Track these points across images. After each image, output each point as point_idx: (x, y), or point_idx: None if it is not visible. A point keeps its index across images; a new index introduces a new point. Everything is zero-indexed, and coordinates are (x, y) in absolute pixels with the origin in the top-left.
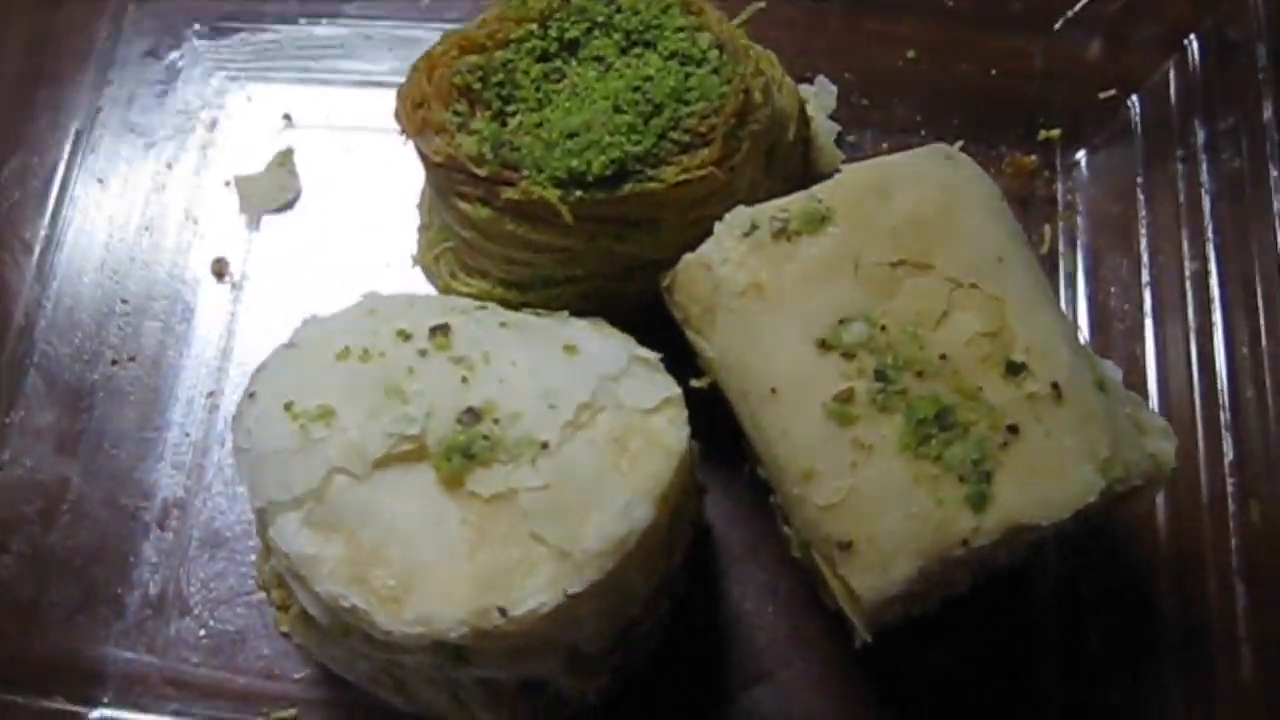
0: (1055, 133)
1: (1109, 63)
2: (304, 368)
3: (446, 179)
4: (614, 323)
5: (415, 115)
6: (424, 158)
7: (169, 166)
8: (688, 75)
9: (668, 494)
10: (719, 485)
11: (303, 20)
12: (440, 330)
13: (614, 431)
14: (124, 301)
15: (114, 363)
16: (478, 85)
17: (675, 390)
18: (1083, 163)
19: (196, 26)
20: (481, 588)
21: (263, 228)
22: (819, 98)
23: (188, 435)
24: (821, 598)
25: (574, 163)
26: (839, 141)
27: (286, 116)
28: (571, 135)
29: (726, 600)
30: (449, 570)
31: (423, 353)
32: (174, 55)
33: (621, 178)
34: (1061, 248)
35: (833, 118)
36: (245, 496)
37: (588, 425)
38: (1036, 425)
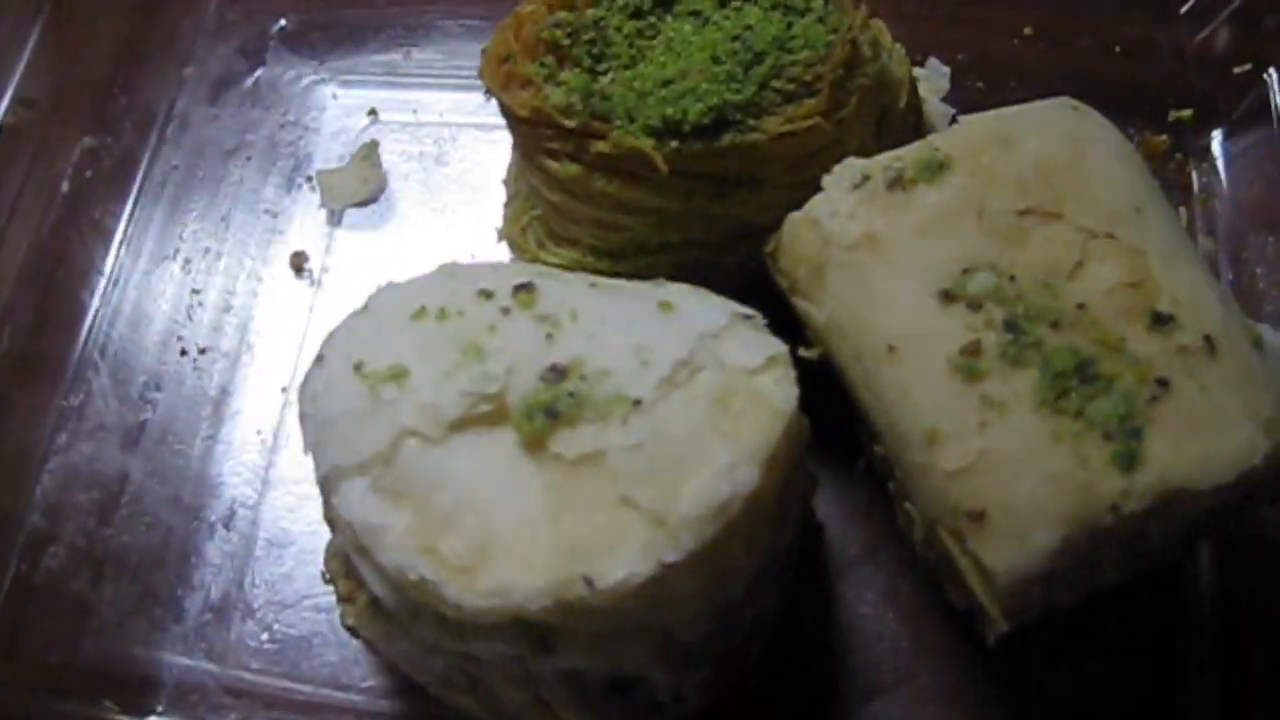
0: (1187, 113)
1: (1241, 42)
2: (377, 329)
3: (532, 135)
4: None
5: (500, 70)
6: (508, 114)
7: (248, 159)
8: (790, 24)
9: (775, 458)
10: (832, 482)
11: (389, 17)
12: (524, 288)
13: (715, 391)
14: (196, 292)
15: (184, 354)
16: (566, 41)
17: (781, 348)
18: (1218, 143)
19: (283, 24)
20: (566, 556)
21: (344, 223)
22: (931, 80)
23: (258, 433)
24: (949, 597)
25: (669, 110)
26: (956, 123)
27: (373, 112)
28: (666, 84)
29: (842, 605)
30: (529, 538)
31: (505, 310)
32: (260, 51)
33: (720, 128)
34: (1200, 232)
35: (947, 101)
36: (316, 496)
37: (686, 384)
38: (1189, 380)
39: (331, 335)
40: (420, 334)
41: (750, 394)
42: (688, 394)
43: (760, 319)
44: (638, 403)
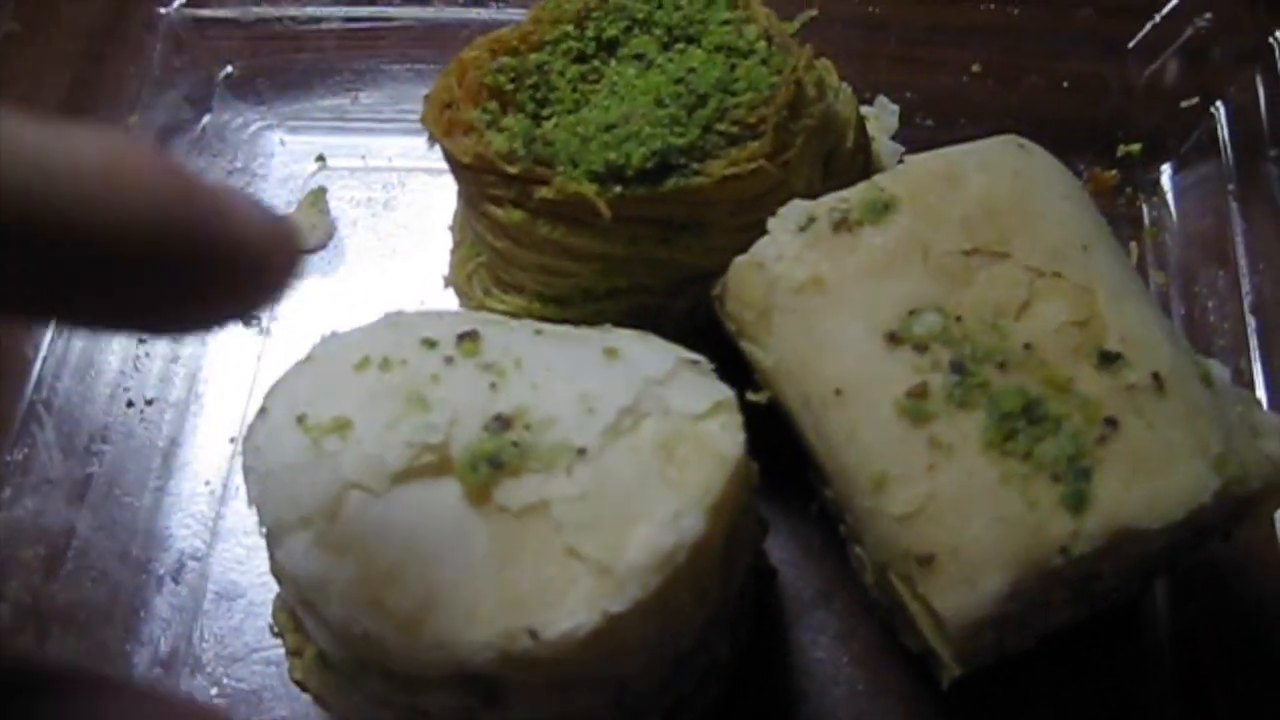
0: (1136, 147)
1: (1189, 75)
2: (320, 380)
3: (476, 182)
4: None
5: (442, 116)
6: (451, 161)
7: None
8: (734, 66)
9: (721, 505)
10: (785, 525)
11: (336, 62)
12: (468, 337)
13: (660, 438)
14: (143, 343)
15: (130, 405)
16: (510, 86)
17: (727, 394)
18: (1167, 177)
19: (229, 70)
20: (510, 608)
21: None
22: (880, 119)
23: (207, 484)
24: (902, 641)
25: (612, 155)
26: (903, 163)
27: (320, 158)
28: (609, 128)
29: (798, 650)
30: (473, 590)
31: (449, 360)
32: (206, 98)
33: (664, 172)
34: (1150, 266)
35: (897, 140)
36: (265, 547)
37: (630, 431)
38: (1138, 418)
39: (275, 386)
40: (363, 384)
41: (695, 440)
42: (632, 442)
43: (707, 364)
44: (582, 451)
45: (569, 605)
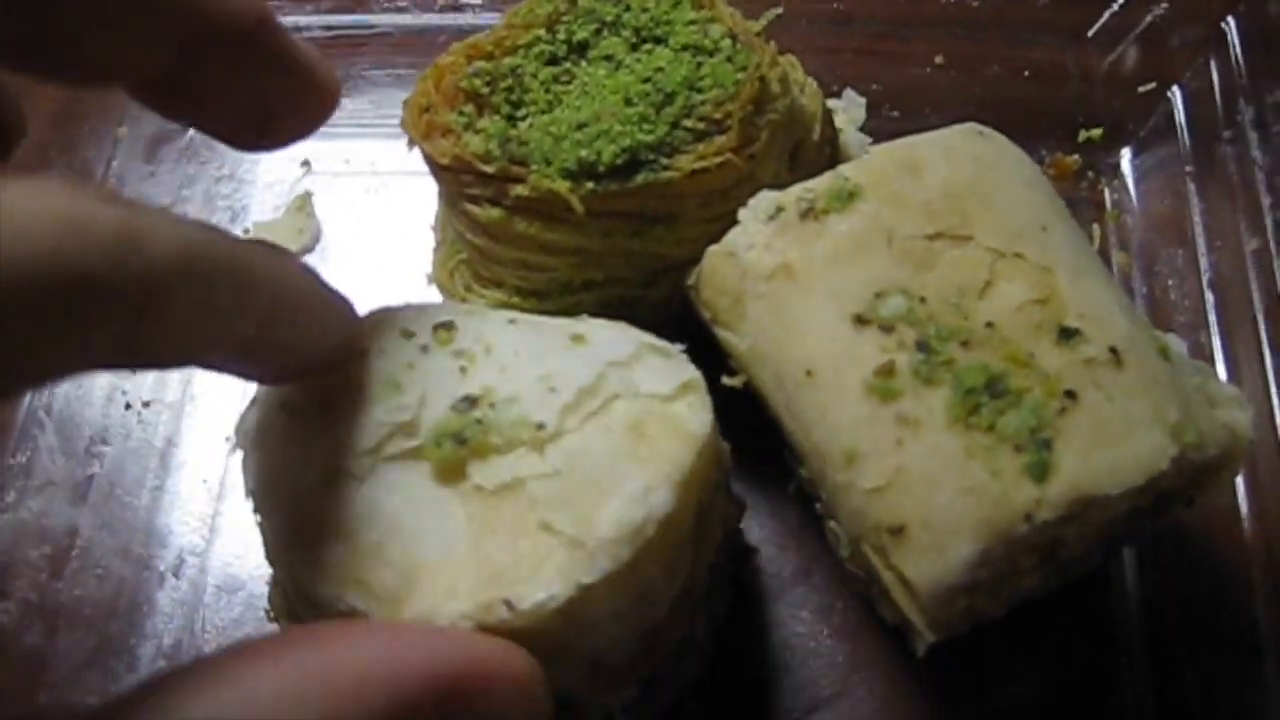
0: (1097, 132)
1: (1147, 62)
2: None
3: (455, 182)
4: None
5: (421, 120)
6: (431, 163)
7: (186, 213)
8: (700, 64)
9: (689, 481)
10: (763, 505)
11: None
12: (444, 326)
13: (630, 419)
14: None
15: (128, 408)
16: (485, 90)
17: (694, 375)
18: (1127, 160)
19: None
20: (487, 581)
21: None
22: (848, 111)
23: (204, 481)
24: (880, 612)
25: (583, 153)
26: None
27: (305, 163)
28: (580, 127)
29: (777, 625)
30: (452, 566)
31: (424, 348)
32: None
33: (634, 168)
34: (1113, 248)
35: (864, 131)
36: (261, 538)
37: (601, 413)
38: (1096, 391)
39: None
40: (344, 374)
41: (664, 420)
42: (604, 422)
43: (674, 349)
44: (541, 426)
45: (544, 577)
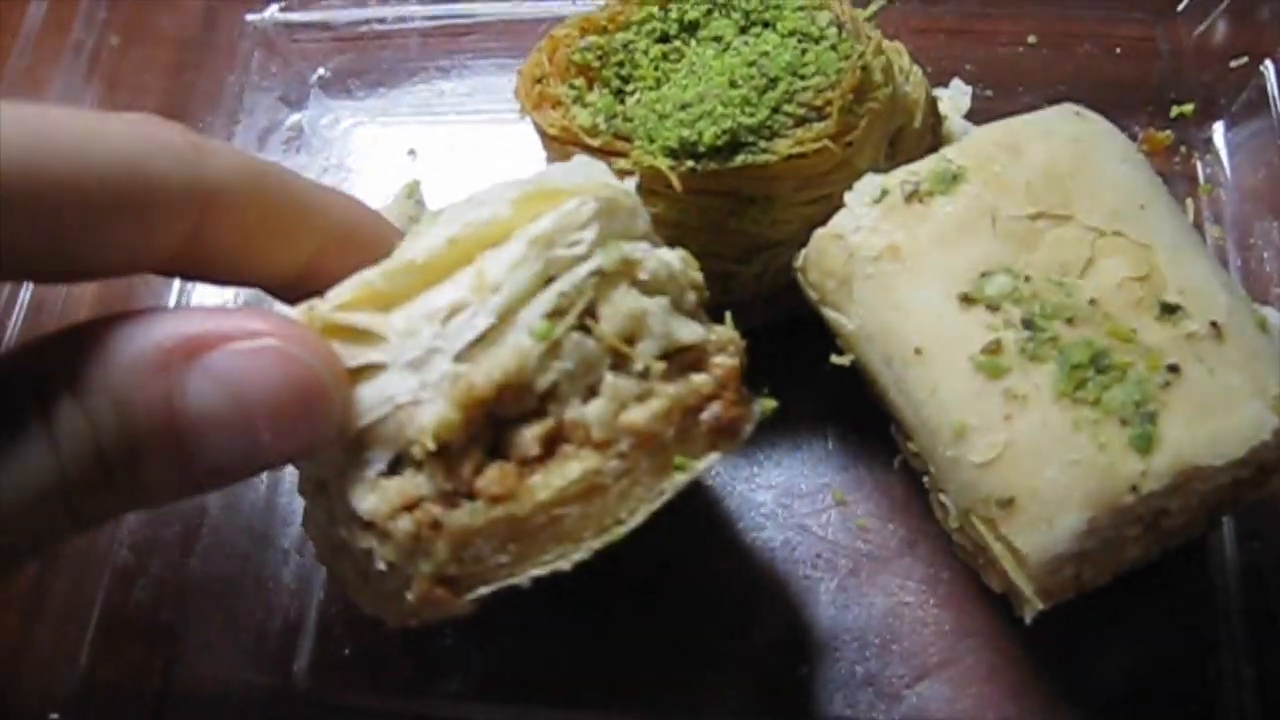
0: (1189, 107)
1: (1238, 35)
2: None
3: (561, 152)
4: (735, 308)
5: (533, 91)
6: (540, 132)
7: None
8: (804, 51)
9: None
10: (869, 480)
11: (422, 59)
12: None
13: None
14: None
15: None
16: (597, 64)
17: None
18: (1220, 134)
19: (321, 72)
20: None
21: None
22: (954, 100)
23: None
24: (987, 581)
25: (685, 133)
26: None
27: (411, 152)
28: (684, 107)
29: (886, 595)
30: None
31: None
32: (302, 99)
33: (734, 149)
34: (1207, 222)
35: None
36: None
37: None
38: (1199, 364)
39: None
40: None
41: None
42: None
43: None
44: None
45: None
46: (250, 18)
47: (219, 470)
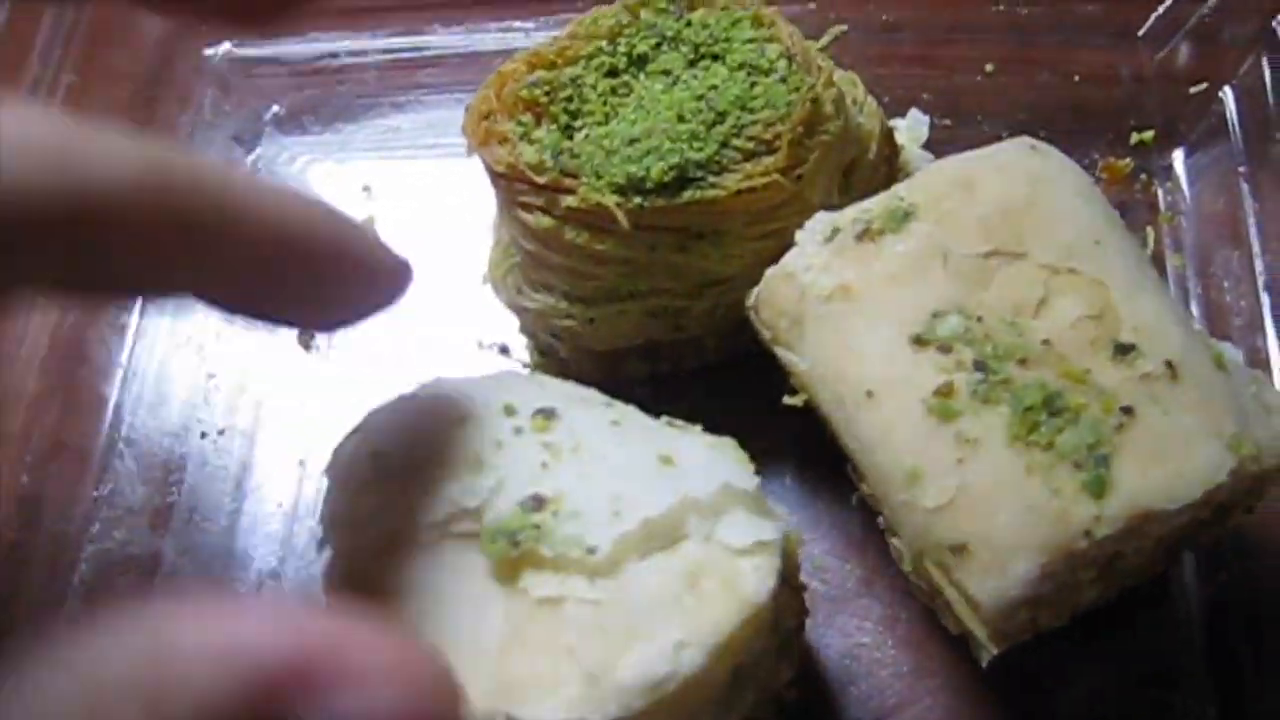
0: (1149, 134)
1: (1198, 61)
2: (408, 419)
3: (509, 189)
4: (688, 346)
5: (479, 127)
6: (488, 168)
7: None
8: (754, 84)
9: (727, 646)
10: (826, 518)
11: (377, 95)
12: (545, 413)
13: (689, 563)
14: (211, 376)
15: (203, 436)
16: (545, 99)
17: (772, 535)
18: (1180, 161)
19: (275, 109)
20: (500, 690)
21: None
22: (911, 130)
23: (279, 505)
24: (943, 621)
25: (633, 169)
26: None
27: (366, 189)
28: (632, 142)
29: (843, 636)
30: (474, 664)
31: (518, 430)
32: (255, 136)
33: (682, 185)
34: (1167, 250)
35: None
36: None
37: (665, 550)
38: (1153, 405)
39: (374, 411)
40: (440, 435)
41: (724, 575)
42: (661, 561)
43: (759, 492)
44: (592, 550)
45: (551, 703)
46: (207, 52)
47: None
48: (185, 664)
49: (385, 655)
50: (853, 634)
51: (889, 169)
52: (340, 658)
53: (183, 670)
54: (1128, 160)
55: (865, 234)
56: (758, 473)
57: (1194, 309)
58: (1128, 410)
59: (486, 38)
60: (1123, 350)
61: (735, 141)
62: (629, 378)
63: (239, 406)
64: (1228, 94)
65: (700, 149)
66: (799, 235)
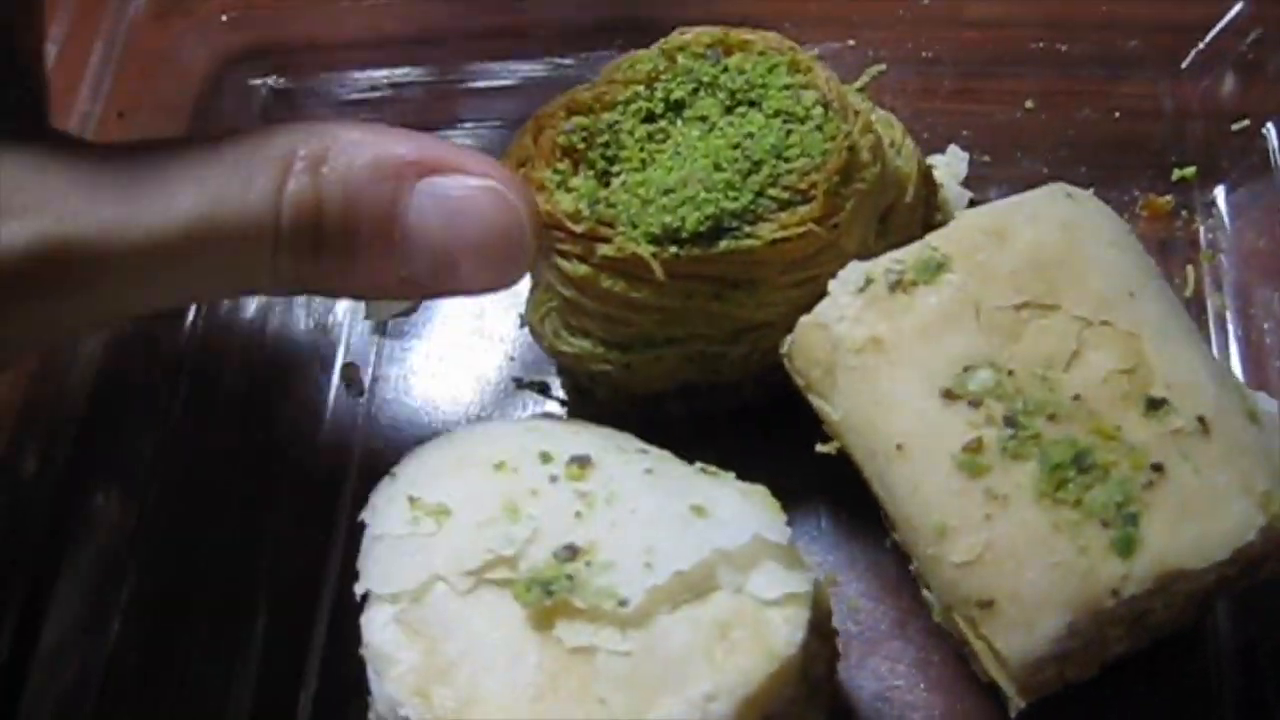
0: (1190, 171)
1: (1240, 95)
2: (444, 463)
3: (546, 236)
4: (725, 389)
5: (517, 174)
6: None
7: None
8: (789, 132)
9: (756, 698)
10: (862, 559)
11: (421, 127)
12: (580, 461)
13: (721, 614)
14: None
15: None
16: (582, 145)
17: (803, 587)
18: (1222, 199)
19: None
20: None
21: (390, 332)
22: (950, 166)
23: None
24: (975, 669)
25: (668, 219)
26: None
27: None
28: (668, 192)
29: (876, 678)
30: (508, 709)
31: (553, 478)
32: None
33: (717, 234)
34: (1208, 289)
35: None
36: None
37: (695, 602)
38: (1183, 463)
39: (410, 456)
40: (476, 480)
41: (754, 627)
42: (692, 612)
43: (790, 544)
44: (624, 603)
45: None
46: (253, 83)
47: (410, 281)
48: (349, 144)
49: (485, 165)
50: (885, 677)
51: (927, 209)
52: (453, 158)
53: (346, 144)
54: (1169, 197)
55: (898, 285)
56: (792, 514)
57: (1233, 349)
58: (1158, 468)
59: (525, 70)
60: (1154, 405)
61: (771, 191)
62: (666, 418)
63: (282, 440)
64: (1270, 130)
65: (736, 198)
66: (832, 285)
